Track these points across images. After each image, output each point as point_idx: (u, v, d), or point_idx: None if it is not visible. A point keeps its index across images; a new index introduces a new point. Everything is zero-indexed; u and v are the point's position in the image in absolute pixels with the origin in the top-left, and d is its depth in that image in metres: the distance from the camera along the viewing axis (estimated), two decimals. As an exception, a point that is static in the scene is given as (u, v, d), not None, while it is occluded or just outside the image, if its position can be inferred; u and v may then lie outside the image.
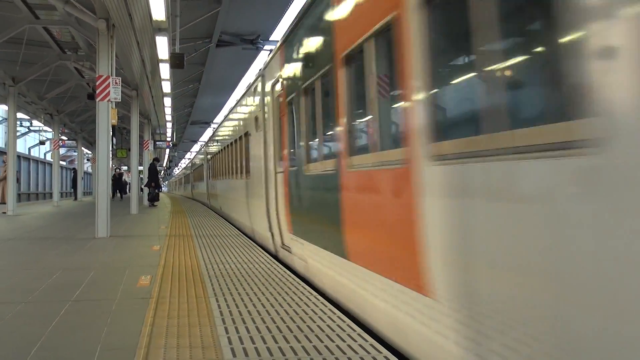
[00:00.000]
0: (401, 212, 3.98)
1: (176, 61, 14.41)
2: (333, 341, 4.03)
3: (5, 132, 23.44)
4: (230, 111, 17.10)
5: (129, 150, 24.45)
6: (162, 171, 61.70)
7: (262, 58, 10.31)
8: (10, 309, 5.05)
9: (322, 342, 4.02)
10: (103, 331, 4.33)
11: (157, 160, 28.11)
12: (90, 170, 48.92)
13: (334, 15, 5.59)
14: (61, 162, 35.53)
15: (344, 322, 4.56)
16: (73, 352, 3.84)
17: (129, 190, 29.54)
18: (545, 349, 2.62)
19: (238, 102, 14.78)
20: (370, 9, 4.59)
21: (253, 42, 20.10)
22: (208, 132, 42.42)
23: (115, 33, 11.89)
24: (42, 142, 41.31)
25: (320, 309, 5.00)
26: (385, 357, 3.68)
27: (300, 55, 7.25)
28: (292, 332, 4.28)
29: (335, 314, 4.83)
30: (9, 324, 4.58)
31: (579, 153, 2.33)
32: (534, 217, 2.61)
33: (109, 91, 11.41)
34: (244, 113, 13.15)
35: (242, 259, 8.24)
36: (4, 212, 18.97)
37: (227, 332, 4.27)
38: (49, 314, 4.86)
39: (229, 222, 16.26)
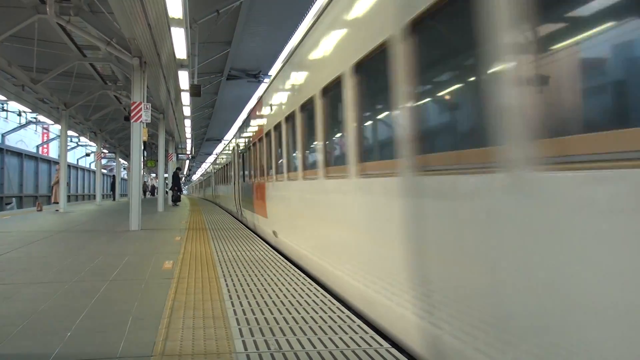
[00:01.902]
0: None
1: (195, 91, 14.38)
2: (317, 313, 4.03)
3: (59, 146, 23.21)
4: None
5: (157, 161, 24.32)
6: (183, 178, 61.32)
7: (263, 88, 10.31)
8: (61, 287, 5.01)
9: (308, 313, 4.02)
10: (134, 304, 4.31)
11: (179, 169, 28.00)
12: (125, 176, 48.59)
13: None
14: (102, 170, 35.21)
15: (326, 297, 4.56)
16: (110, 320, 3.81)
17: (156, 193, 29.40)
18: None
19: None
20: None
21: (255, 76, 20.15)
22: (220, 146, 42.30)
23: (147, 68, 11.85)
24: (87, 154, 41.04)
25: (307, 287, 4.99)
26: (358, 325, 3.69)
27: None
28: (284, 305, 4.28)
29: (319, 291, 4.84)
30: (60, 299, 4.54)
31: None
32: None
33: (141, 114, 11.36)
34: None
35: (245, 247, 8.22)
36: (57, 210, 18.80)
37: (232, 306, 4.27)
38: (92, 291, 4.82)
39: None
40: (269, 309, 4.14)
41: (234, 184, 16.35)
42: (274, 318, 3.88)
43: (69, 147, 27.43)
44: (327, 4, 5.07)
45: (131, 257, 7.03)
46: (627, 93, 1.94)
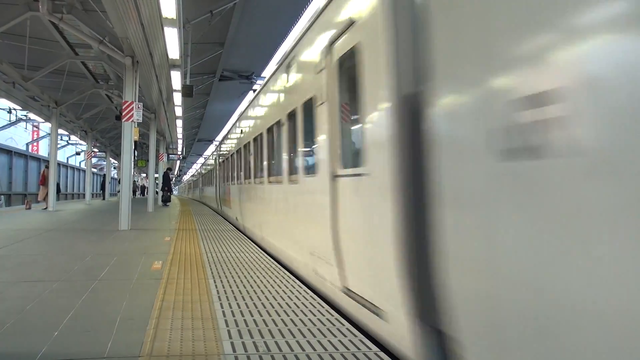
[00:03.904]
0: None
1: (187, 91, 14.33)
2: (306, 315, 4.02)
3: (49, 145, 23.05)
4: None
5: (148, 161, 24.22)
6: (174, 178, 61.02)
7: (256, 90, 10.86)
8: (49, 286, 4.96)
9: (297, 316, 4.01)
10: (123, 304, 4.28)
11: (169, 169, 27.85)
12: (116, 176, 48.27)
13: None
14: (92, 169, 34.97)
15: (315, 300, 4.56)
16: (98, 321, 3.78)
17: (146, 193, 29.35)
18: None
19: None
20: None
21: (248, 78, 20.08)
22: (211, 148, 42.60)
23: (139, 68, 11.80)
24: (78, 153, 40.78)
25: (297, 290, 4.99)
26: (347, 328, 3.68)
27: None
28: (273, 307, 4.27)
29: (308, 293, 4.83)
30: (47, 298, 4.50)
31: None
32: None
33: (132, 114, 11.30)
34: None
35: (235, 249, 8.19)
36: (45, 208, 18.63)
37: (222, 307, 4.24)
38: (80, 290, 4.78)
39: None
40: (258, 311, 4.13)
41: (199, 188, 36.08)
42: (263, 320, 3.86)
43: (59, 146, 27.20)
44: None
45: (120, 257, 6.98)
46: None
